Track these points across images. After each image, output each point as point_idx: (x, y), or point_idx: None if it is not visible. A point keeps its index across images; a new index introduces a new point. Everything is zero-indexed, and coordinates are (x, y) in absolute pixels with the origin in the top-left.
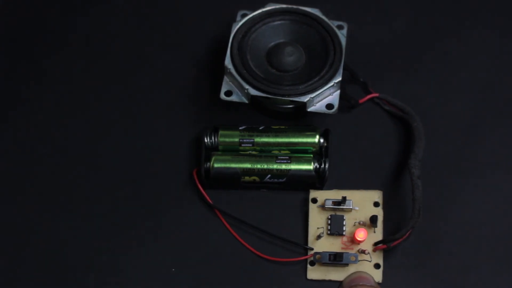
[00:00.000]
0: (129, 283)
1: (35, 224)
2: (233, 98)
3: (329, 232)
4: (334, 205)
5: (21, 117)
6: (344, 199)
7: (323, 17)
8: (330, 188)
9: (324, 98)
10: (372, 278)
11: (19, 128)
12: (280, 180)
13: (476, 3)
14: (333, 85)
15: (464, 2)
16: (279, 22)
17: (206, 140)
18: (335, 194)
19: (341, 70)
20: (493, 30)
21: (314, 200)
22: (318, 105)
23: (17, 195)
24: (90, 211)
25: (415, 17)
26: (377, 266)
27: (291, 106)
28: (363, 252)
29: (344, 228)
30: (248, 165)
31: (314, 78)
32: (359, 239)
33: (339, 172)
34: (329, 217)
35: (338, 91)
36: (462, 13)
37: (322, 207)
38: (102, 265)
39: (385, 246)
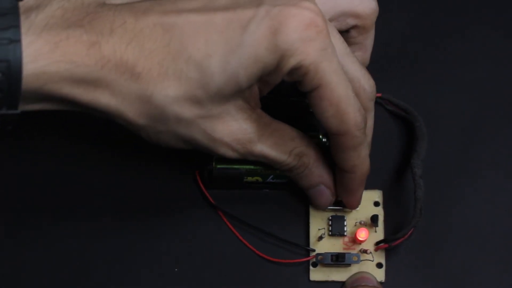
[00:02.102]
0: (132, 282)
1: (34, 223)
2: None
3: (330, 233)
4: (335, 205)
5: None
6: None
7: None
8: None
9: None
10: (375, 278)
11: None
12: (283, 180)
13: (479, 3)
14: None
15: (466, 2)
16: None
17: None
18: None
19: None
20: (496, 30)
21: None
22: None
23: (18, 194)
24: (92, 211)
25: (418, 17)
26: (379, 265)
27: None
28: (365, 252)
29: (345, 229)
30: (251, 166)
31: None
32: (360, 239)
33: None
34: (330, 217)
35: None
36: (465, 13)
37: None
38: (104, 265)
39: (387, 245)
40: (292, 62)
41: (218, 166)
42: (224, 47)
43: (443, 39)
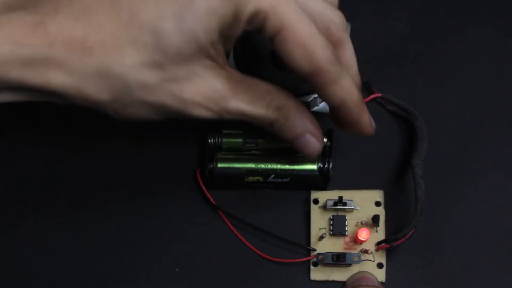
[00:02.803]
0: (132, 282)
1: (34, 223)
2: None
3: (331, 232)
4: (336, 205)
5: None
6: (340, 199)
7: None
8: (331, 188)
9: None
10: (376, 278)
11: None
12: (284, 180)
13: (479, 3)
14: None
15: (466, 2)
16: None
17: (209, 140)
18: (337, 195)
19: None
20: (496, 29)
21: (316, 201)
22: (321, 105)
23: (18, 194)
24: (93, 211)
25: (418, 17)
26: (380, 265)
27: None
28: (365, 252)
29: (346, 228)
30: (252, 165)
31: None
32: (361, 239)
33: (341, 172)
34: (331, 217)
35: None
36: (465, 13)
37: (324, 207)
38: (104, 265)
39: (388, 246)
40: (249, 9)
41: (219, 166)
42: (175, 5)
43: (443, 39)
